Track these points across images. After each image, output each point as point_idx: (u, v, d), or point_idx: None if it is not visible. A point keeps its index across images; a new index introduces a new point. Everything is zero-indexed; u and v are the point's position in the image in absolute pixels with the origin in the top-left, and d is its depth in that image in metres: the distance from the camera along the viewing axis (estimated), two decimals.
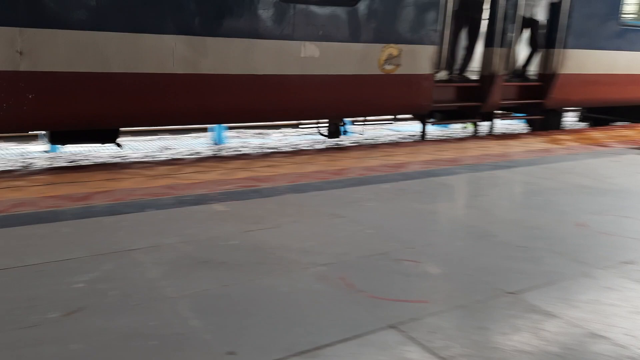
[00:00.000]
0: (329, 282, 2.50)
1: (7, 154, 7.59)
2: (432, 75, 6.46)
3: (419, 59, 6.29)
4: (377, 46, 5.99)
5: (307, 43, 5.56)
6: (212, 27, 5.14)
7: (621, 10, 8.08)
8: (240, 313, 2.19)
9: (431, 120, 7.34)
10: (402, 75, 6.24)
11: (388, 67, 6.10)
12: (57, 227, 3.11)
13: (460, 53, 7.48)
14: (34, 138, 8.18)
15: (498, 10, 6.95)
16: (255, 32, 5.31)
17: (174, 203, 3.74)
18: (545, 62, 7.78)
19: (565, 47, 7.62)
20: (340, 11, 5.68)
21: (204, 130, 9.47)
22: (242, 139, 9.60)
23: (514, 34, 7.24)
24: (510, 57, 7.36)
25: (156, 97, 5.08)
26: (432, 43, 6.34)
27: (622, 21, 8.13)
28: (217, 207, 3.68)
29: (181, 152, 7.97)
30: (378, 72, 6.08)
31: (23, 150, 7.90)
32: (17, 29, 4.39)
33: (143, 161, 5.49)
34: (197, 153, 7.92)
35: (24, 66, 4.47)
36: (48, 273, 2.48)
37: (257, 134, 10.24)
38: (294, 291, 2.40)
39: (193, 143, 8.93)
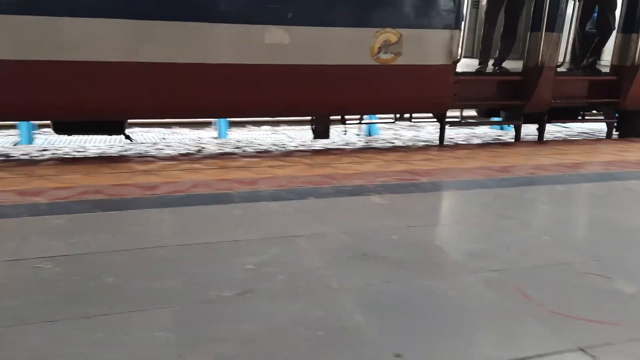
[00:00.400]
0: (502, 290, 2.29)
1: (184, 138, 8.37)
2: (449, 67, 5.31)
3: (428, 47, 5.20)
4: (368, 31, 4.99)
5: (274, 27, 4.74)
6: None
7: None
8: (404, 313, 2.09)
9: (452, 120, 6.16)
10: (405, 67, 5.15)
11: (384, 57, 5.06)
12: (229, 209, 3.29)
13: (496, 39, 6.12)
14: (207, 125, 8.92)
15: None
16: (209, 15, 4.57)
17: (333, 192, 3.76)
18: (623, 51, 6.21)
19: None
20: None
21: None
22: (394, 131, 9.48)
23: (574, 14, 5.84)
24: (567, 43, 5.93)
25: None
26: (446, 27, 5.17)
27: None
28: (376, 199, 3.62)
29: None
30: (371, 62, 5.06)
31: (196, 136, 8.64)
32: None
33: (302, 150, 5.65)
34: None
35: None
36: (222, 252, 2.61)
37: (410, 126, 10.05)
38: (462, 296, 2.24)
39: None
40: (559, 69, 5.93)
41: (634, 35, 6.10)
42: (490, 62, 6.11)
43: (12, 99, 4.34)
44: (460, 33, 5.23)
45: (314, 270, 2.46)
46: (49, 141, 7.77)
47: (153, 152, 6.31)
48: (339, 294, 2.23)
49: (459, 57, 5.28)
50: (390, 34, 5.02)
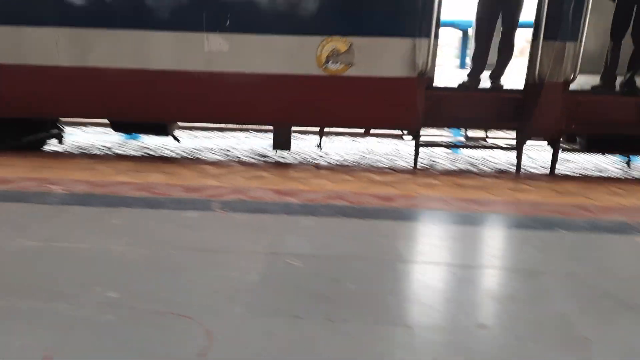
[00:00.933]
0: None
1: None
2: (413, 80, 4.63)
3: (386, 57, 4.61)
4: (313, 39, 4.59)
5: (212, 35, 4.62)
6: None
7: None
8: None
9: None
10: (358, 78, 4.67)
11: (333, 67, 4.65)
12: (471, 230, 3.17)
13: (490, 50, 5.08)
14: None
15: None
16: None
17: (587, 226, 3.33)
18: None
19: None
20: None
21: None
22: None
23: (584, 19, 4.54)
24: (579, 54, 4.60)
25: None
26: (407, 35, 4.56)
27: None
28: None
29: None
30: (319, 72, 4.66)
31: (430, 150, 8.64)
32: None
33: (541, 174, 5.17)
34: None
35: None
36: (461, 278, 2.51)
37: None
38: None
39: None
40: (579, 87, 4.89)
41: None
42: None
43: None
44: (429, 41, 4.54)
45: (563, 315, 2.18)
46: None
47: (387, 163, 6.50)
48: (596, 347, 1.94)
49: (427, 69, 4.60)
50: (338, 43, 4.62)
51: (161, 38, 4.76)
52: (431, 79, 4.88)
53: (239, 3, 4.65)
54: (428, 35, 4.56)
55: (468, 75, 5.23)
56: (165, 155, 7.73)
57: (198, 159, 7.28)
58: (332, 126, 6.67)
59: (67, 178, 4.01)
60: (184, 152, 8.00)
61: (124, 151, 7.70)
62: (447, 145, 6.16)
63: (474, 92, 5.09)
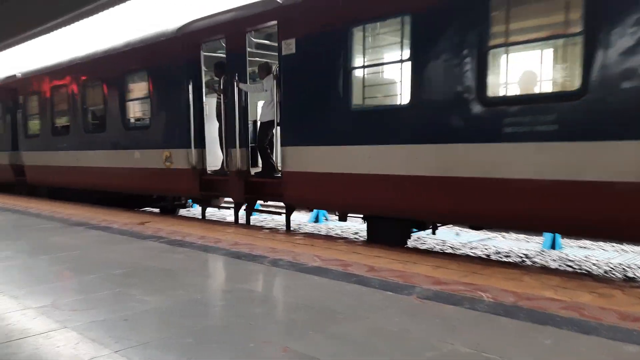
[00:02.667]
0: None
1: None
2: (190, 170, 8.80)
3: (182, 159, 8.93)
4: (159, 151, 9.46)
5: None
6: None
7: None
8: None
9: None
10: (174, 169, 9.13)
11: (167, 163, 9.27)
12: None
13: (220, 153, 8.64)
14: None
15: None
16: None
17: None
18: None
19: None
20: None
21: None
22: None
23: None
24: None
25: None
26: (184, 147, 8.82)
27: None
28: None
29: None
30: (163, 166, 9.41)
31: None
32: None
33: None
34: None
35: None
36: None
37: None
38: None
39: None
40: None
41: None
42: None
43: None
44: (195, 150, 8.71)
45: None
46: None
47: None
48: None
49: (196, 164, 8.76)
50: (167, 152, 9.27)
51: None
52: (204, 169, 8.88)
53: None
54: (196, 147, 8.72)
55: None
56: (589, 270, 7.13)
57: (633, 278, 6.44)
58: (166, 194, 11.07)
59: (495, 286, 4.13)
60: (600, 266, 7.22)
61: (545, 261, 7.50)
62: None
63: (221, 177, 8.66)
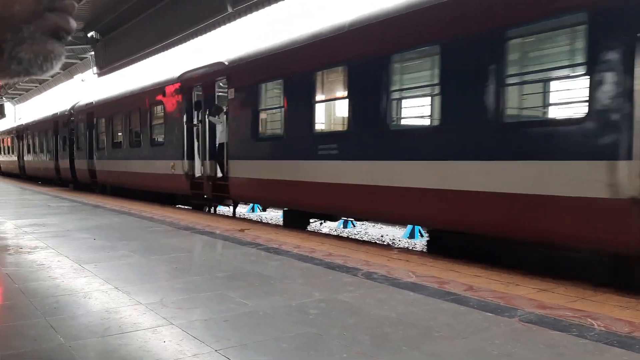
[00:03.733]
0: None
1: None
2: (183, 175, 12.27)
3: (179, 166, 12.41)
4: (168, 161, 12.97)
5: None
6: None
7: None
8: None
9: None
10: (177, 174, 12.52)
11: (172, 171, 12.63)
12: None
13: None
14: None
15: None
16: None
17: None
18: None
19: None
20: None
21: None
22: None
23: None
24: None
25: None
26: (177, 158, 12.54)
27: None
28: None
29: None
30: (171, 172, 12.80)
31: None
32: None
33: None
34: None
35: None
36: None
37: None
38: None
39: None
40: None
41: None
42: None
43: None
44: (187, 161, 12.20)
45: None
46: None
47: None
48: None
49: (187, 171, 12.18)
50: (172, 162, 12.71)
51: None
52: (193, 175, 12.15)
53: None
54: (188, 159, 12.31)
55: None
56: None
57: None
58: (168, 192, 13.73)
59: (607, 314, 3.82)
60: None
61: None
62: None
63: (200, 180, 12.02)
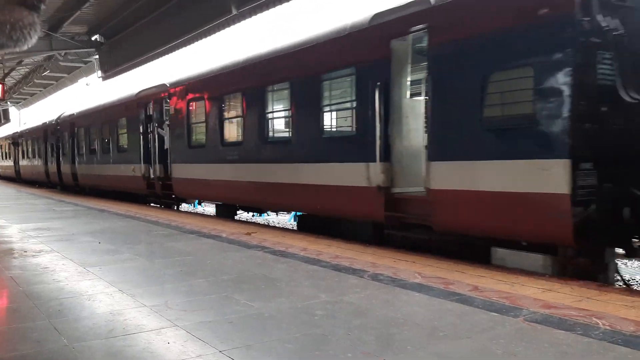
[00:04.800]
0: None
1: None
2: (141, 177, 14.59)
3: (138, 170, 14.68)
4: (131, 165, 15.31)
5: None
6: None
7: None
8: None
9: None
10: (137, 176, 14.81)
11: (133, 172, 14.90)
12: None
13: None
14: None
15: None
16: None
17: None
18: None
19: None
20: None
21: None
22: None
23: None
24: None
25: None
26: (146, 162, 14.54)
27: None
28: None
29: None
30: (134, 174, 14.91)
31: None
32: None
33: None
34: None
35: None
36: None
37: None
38: None
39: None
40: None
41: None
42: None
43: None
44: (144, 165, 14.52)
45: None
46: None
47: None
48: None
49: (147, 175, 14.37)
50: (132, 166, 15.08)
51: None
52: (149, 176, 14.48)
53: None
54: (144, 162, 14.66)
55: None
56: None
57: None
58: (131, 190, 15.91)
59: (612, 314, 3.80)
60: None
61: None
62: None
63: (155, 180, 14.49)
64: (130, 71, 20.54)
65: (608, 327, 3.51)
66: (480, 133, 5.79)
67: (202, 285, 4.91)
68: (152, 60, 18.49)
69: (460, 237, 6.29)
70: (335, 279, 5.13)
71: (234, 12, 12.76)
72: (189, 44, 15.90)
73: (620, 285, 6.92)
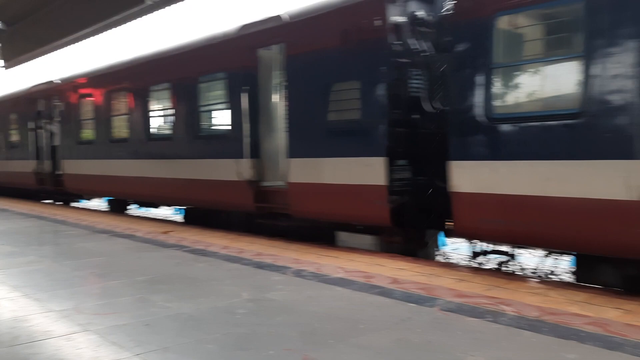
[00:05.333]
0: None
1: None
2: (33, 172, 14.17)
3: (30, 165, 14.57)
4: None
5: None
6: None
7: None
8: None
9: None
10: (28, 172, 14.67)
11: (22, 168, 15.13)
12: None
13: None
14: None
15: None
16: None
17: None
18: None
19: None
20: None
21: None
22: None
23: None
24: None
25: None
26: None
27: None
28: None
29: None
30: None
31: None
32: None
33: None
34: None
35: None
36: None
37: None
38: None
39: None
40: None
41: None
42: None
43: None
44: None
45: None
46: None
47: None
48: None
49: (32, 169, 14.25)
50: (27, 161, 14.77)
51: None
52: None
53: None
54: (37, 158, 14.26)
55: None
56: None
57: None
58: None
59: (519, 301, 4.05)
60: None
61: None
62: None
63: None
64: (42, 60, 19.17)
65: (515, 313, 3.73)
66: (324, 134, 6.78)
67: (115, 287, 4.69)
68: (63, 47, 17.33)
69: (312, 222, 7.21)
70: (257, 276, 5.08)
71: (148, 2, 12.27)
72: (102, 32, 15.07)
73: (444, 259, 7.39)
